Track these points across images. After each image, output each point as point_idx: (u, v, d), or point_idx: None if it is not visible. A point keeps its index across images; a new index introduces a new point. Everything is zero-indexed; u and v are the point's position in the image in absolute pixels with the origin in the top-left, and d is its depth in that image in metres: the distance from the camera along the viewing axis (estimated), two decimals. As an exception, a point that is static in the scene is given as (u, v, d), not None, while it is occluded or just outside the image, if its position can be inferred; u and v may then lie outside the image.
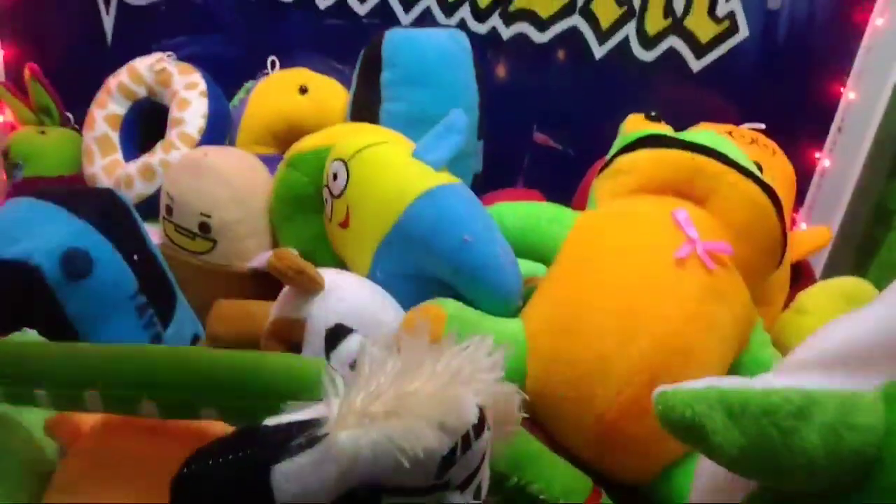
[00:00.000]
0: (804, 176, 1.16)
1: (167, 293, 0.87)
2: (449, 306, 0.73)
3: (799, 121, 1.15)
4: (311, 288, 0.74)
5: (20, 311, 0.75)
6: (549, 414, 0.74)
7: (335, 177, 0.87)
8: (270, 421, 0.41)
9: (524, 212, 0.85)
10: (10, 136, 1.24)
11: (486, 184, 1.16)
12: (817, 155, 1.17)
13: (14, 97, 1.26)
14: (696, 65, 1.14)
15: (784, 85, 1.14)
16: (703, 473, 0.60)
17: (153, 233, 0.94)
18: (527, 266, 0.84)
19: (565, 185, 1.12)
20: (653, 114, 0.94)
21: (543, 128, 1.22)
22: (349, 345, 0.49)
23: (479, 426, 0.43)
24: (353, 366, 0.43)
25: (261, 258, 0.99)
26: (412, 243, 0.79)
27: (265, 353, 0.63)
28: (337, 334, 0.52)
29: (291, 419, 0.41)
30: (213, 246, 0.97)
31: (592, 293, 0.75)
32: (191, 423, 0.59)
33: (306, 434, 0.39)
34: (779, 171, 1.04)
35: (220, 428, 0.58)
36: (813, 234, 1.05)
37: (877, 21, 1.07)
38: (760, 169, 0.85)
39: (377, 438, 0.39)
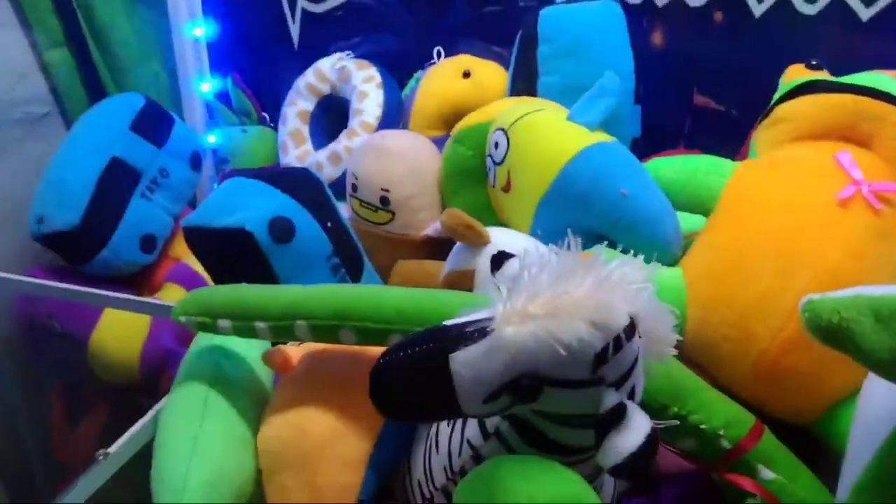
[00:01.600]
0: None
1: (356, 256, 0.99)
2: (609, 254, 0.78)
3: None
4: (478, 241, 0.82)
5: (238, 269, 0.89)
6: (710, 356, 0.77)
7: (496, 145, 0.94)
8: (448, 322, 0.49)
9: (681, 165, 0.88)
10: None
11: (647, 149, 1.17)
12: None
13: (219, 103, 1.46)
14: (865, 13, 1.08)
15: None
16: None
17: (342, 209, 1.07)
18: (687, 221, 0.87)
19: (728, 147, 1.12)
20: (813, 62, 0.92)
21: (704, 90, 1.21)
22: (511, 265, 0.56)
23: (630, 330, 0.48)
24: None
25: (434, 227, 1.08)
26: (570, 200, 0.85)
27: (445, 291, 0.71)
28: (500, 258, 0.59)
29: (466, 319, 0.48)
30: (392, 217, 1.08)
31: (752, 237, 0.76)
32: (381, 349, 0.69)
33: (478, 328, 0.46)
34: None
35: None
36: None
37: None
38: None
39: (537, 332, 0.45)
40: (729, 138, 1.13)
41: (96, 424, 1.17)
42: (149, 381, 1.09)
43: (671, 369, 0.71)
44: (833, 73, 0.96)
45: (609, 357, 0.46)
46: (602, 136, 0.86)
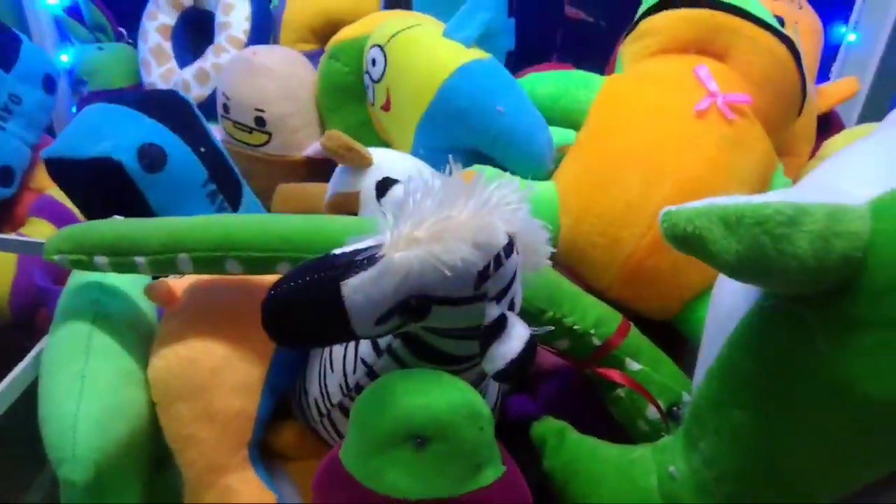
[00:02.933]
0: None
1: (233, 181, 0.97)
2: (487, 171, 0.80)
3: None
4: (361, 163, 0.82)
5: (109, 202, 0.85)
6: (581, 261, 0.82)
7: (374, 62, 0.93)
8: (337, 251, 0.50)
9: (554, 80, 0.90)
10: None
11: (520, 61, 1.19)
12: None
13: (71, 19, 1.34)
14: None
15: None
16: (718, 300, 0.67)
17: (215, 131, 1.03)
18: (559, 135, 0.90)
19: (599, 57, 1.16)
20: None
21: (575, 2, 1.24)
22: (396, 191, 0.57)
23: (509, 248, 0.51)
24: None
25: (314, 147, 1.07)
26: (449, 118, 0.86)
27: (331, 216, 0.72)
28: (385, 184, 0.60)
29: (354, 247, 0.50)
30: (269, 138, 1.06)
31: (619, 150, 0.81)
32: (269, 277, 0.69)
33: (367, 254, 0.48)
34: (807, 24, 1.05)
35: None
36: (840, 86, 1.06)
37: None
38: (782, 23, 0.88)
39: (423, 256, 0.47)
40: (599, 49, 1.17)
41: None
42: (21, 320, 1.04)
43: (547, 277, 0.76)
44: None
45: (490, 274, 0.50)
46: (479, 53, 0.87)
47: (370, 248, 0.49)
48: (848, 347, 0.54)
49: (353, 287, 0.47)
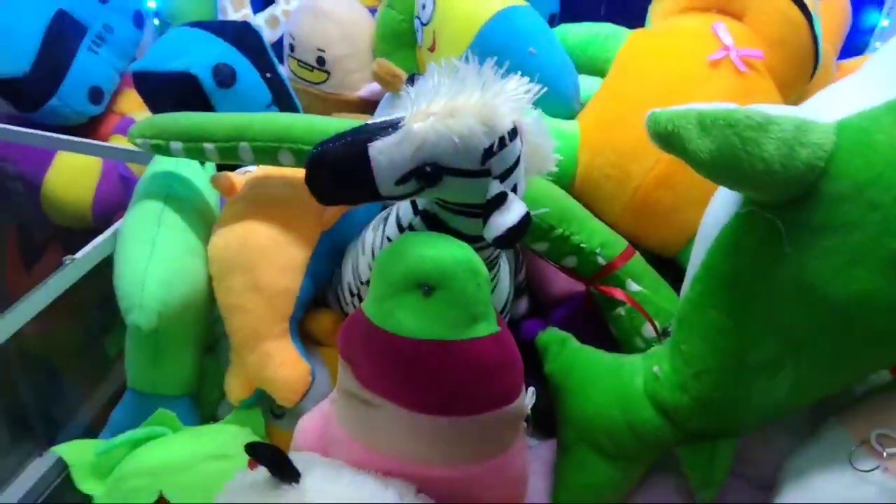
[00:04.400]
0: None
1: (293, 107, 1.08)
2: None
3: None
4: (401, 86, 0.92)
5: (185, 109, 0.98)
6: (595, 193, 0.91)
7: (423, 6, 1.03)
8: (369, 121, 0.61)
9: (585, 30, 0.99)
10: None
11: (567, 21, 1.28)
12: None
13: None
14: None
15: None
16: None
17: (281, 69, 1.15)
18: (588, 84, 0.99)
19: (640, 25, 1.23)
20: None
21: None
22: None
23: (513, 133, 0.60)
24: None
25: (368, 88, 1.18)
26: (486, 57, 0.95)
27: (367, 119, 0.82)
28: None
29: (383, 119, 0.60)
30: (328, 77, 1.17)
31: (636, 91, 0.89)
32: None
33: (391, 123, 0.58)
34: None
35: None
36: (860, 62, 1.12)
37: None
38: (805, -9, 0.94)
39: (437, 126, 0.57)
40: (643, 18, 1.24)
41: (50, 267, 1.25)
42: (102, 225, 1.18)
43: (560, 197, 0.85)
44: None
45: (495, 151, 0.59)
46: (516, 0, 0.96)
47: (395, 118, 0.59)
48: (809, 250, 0.62)
49: (378, 149, 0.58)
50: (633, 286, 0.87)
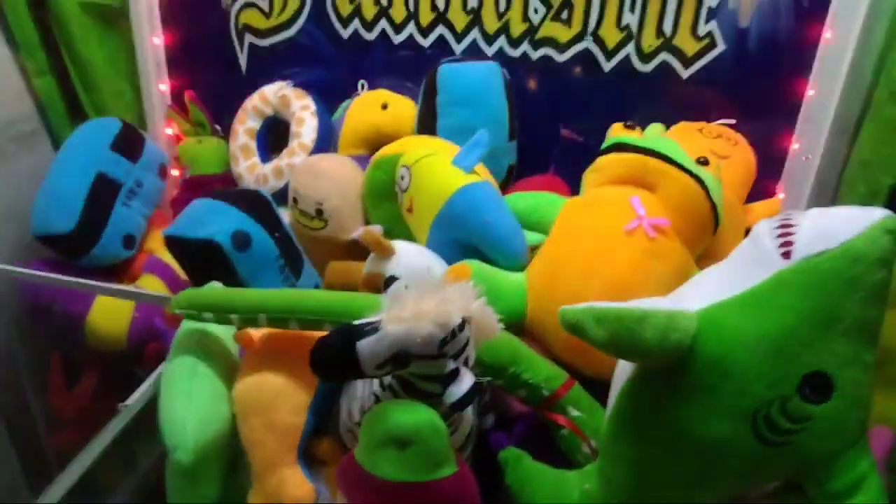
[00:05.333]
0: (778, 156, 1.46)
1: (297, 257, 1.31)
2: (473, 265, 1.13)
3: (770, 114, 1.45)
4: (386, 253, 1.15)
5: (208, 269, 1.21)
6: (541, 333, 1.13)
7: (402, 177, 1.27)
8: (357, 322, 0.83)
9: (531, 199, 1.23)
10: (178, 146, 1.72)
11: (524, 171, 1.53)
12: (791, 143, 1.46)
13: (179, 115, 1.73)
14: (684, 73, 1.45)
15: (756, 86, 1.43)
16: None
17: (285, 215, 1.38)
18: (532, 237, 1.22)
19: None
20: (628, 123, 1.27)
21: (569, 125, 1.56)
22: (395, 287, 0.89)
23: (462, 326, 0.83)
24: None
25: (357, 232, 1.41)
26: (452, 223, 1.19)
27: (358, 295, 1.05)
28: (389, 281, 0.93)
29: (366, 320, 0.83)
30: (326, 224, 1.40)
31: (568, 253, 1.12)
32: (317, 332, 1.02)
33: (373, 326, 0.81)
34: (739, 158, 1.35)
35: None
36: (766, 205, 1.36)
37: (826, 34, 1.35)
38: (706, 163, 1.18)
39: (407, 329, 0.79)
40: (588, 163, 1.49)
41: (89, 386, 1.47)
42: (134, 351, 1.40)
43: (511, 343, 1.07)
44: (659, 118, 1.33)
45: (448, 341, 0.81)
46: (475, 178, 1.20)
47: (375, 321, 0.81)
48: (685, 402, 0.84)
49: (363, 345, 0.80)
50: (573, 412, 1.07)
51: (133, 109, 1.72)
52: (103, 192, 1.41)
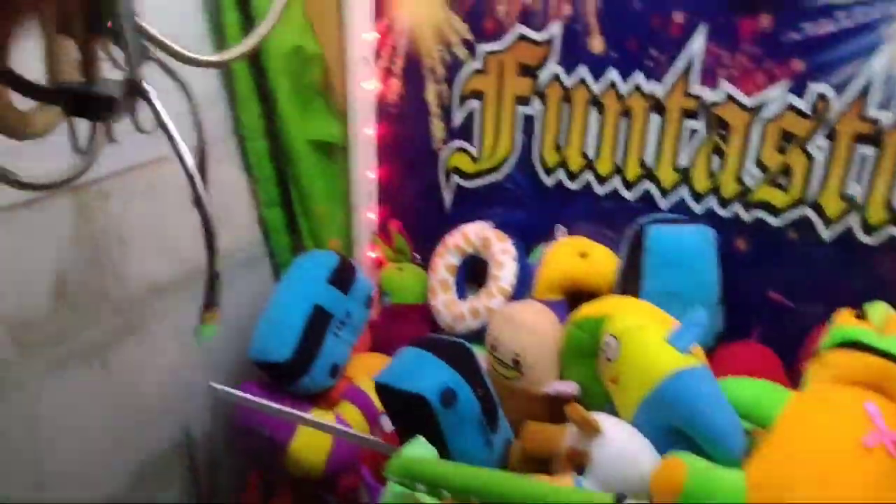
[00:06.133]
0: None
1: (495, 411, 1.33)
2: (686, 459, 1.08)
3: None
4: (592, 433, 1.14)
5: (413, 421, 1.25)
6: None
7: (608, 346, 1.26)
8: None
9: (750, 389, 1.18)
10: (381, 272, 1.82)
11: (728, 334, 1.48)
12: None
13: (383, 242, 1.84)
14: (917, 248, 1.36)
15: None
16: None
17: (481, 357, 1.41)
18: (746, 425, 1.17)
19: (797, 338, 1.40)
20: (859, 313, 1.20)
21: (778, 289, 1.50)
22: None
23: None
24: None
25: (552, 385, 1.41)
26: (664, 408, 1.16)
27: (563, 489, 1.04)
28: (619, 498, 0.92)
29: None
30: (522, 376, 1.41)
31: (799, 459, 1.05)
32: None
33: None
34: None
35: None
36: None
37: None
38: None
39: None
40: (797, 330, 1.42)
41: (283, 505, 1.54)
42: (329, 480, 1.46)
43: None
44: (882, 296, 1.24)
45: None
46: (691, 361, 1.17)
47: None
48: None
49: None
50: None
51: (342, 233, 1.84)
52: (318, 324, 1.50)
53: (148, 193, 1.35)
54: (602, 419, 1.17)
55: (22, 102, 0.69)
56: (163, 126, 0.64)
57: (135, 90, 0.65)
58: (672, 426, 1.16)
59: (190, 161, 0.64)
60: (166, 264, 1.44)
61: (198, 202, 0.66)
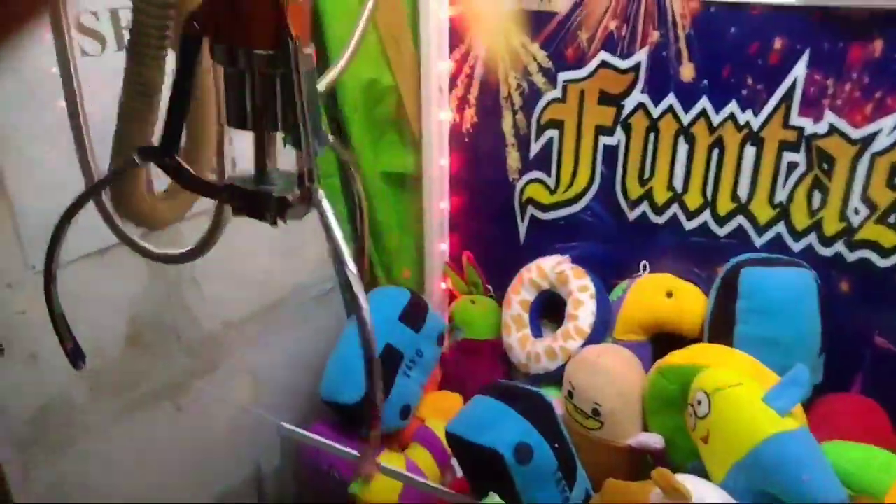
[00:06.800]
0: None
1: (573, 467, 1.25)
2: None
3: None
4: (680, 500, 1.05)
5: (489, 479, 1.19)
6: None
7: (699, 403, 1.17)
8: None
9: (858, 455, 1.07)
10: (453, 305, 1.77)
11: (828, 380, 1.36)
12: None
13: (455, 273, 1.79)
14: None
15: None
16: None
17: (556, 403, 1.33)
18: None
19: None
20: None
21: (885, 333, 1.37)
22: None
23: None
24: None
25: (636, 438, 1.33)
26: (759, 473, 1.06)
27: None
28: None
29: None
30: (601, 426, 1.33)
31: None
32: None
33: None
34: None
35: None
36: None
37: None
38: None
39: None
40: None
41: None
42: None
43: None
44: None
45: None
46: (791, 423, 1.07)
47: None
48: None
49: None
50: None
51: (414, 265, 1.80)
52: (388, 363, 1.46)
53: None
54: (691, 483, 1.07)
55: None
56: (327, 228, 0.55)
57: (307, 197, 0.57)
58: (767, 492, 1.06)
59: (353, 268, 0.52)
60: (237, 303, 1.43)
61: (364, 338, 0.52)
